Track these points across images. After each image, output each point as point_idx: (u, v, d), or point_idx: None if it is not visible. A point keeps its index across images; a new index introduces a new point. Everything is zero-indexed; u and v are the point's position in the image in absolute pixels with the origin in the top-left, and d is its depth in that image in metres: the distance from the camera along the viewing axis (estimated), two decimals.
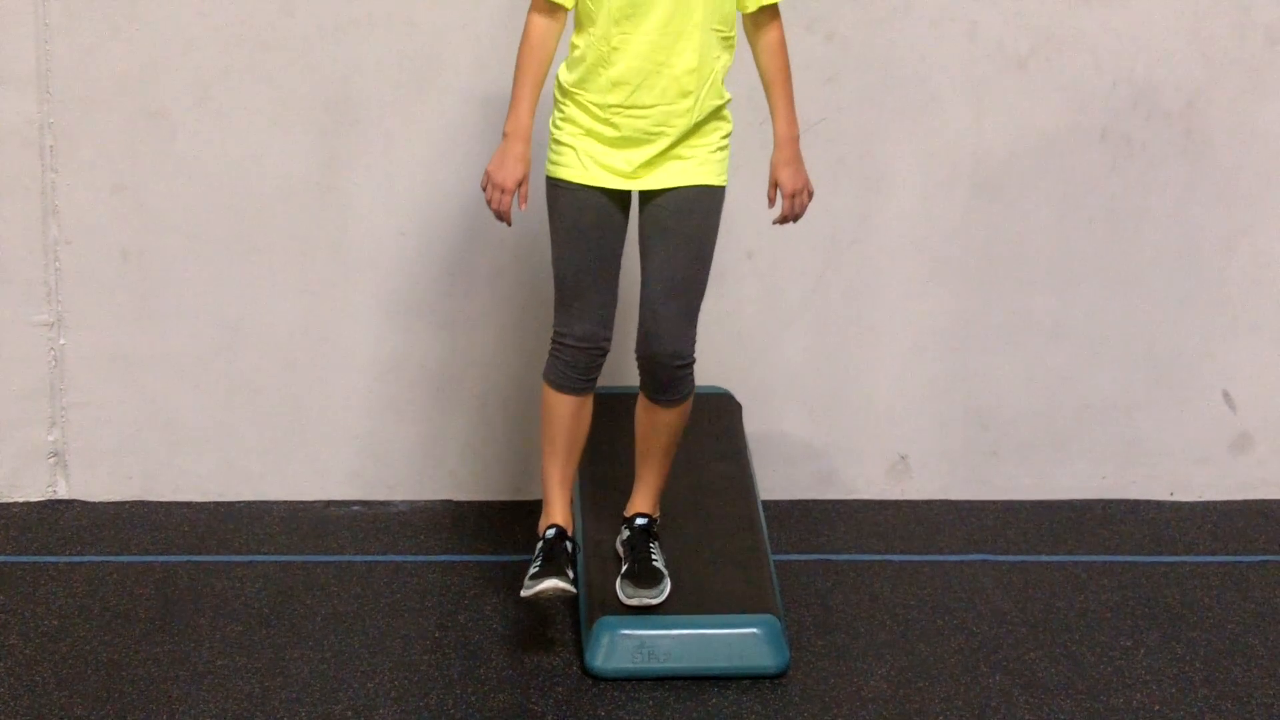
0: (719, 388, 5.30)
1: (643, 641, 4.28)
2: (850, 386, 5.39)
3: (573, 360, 4.34)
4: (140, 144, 5.17)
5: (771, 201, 4.43)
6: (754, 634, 4.28)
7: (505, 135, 4.23)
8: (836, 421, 5.41)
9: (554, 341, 4.37)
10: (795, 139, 4.38)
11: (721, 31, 4.24)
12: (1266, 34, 5.26)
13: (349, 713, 4.13)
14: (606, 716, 4.15)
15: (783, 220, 4.44)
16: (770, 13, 4.30)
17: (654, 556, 4.44)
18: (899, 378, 5.39)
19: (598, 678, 4.29)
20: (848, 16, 5.21)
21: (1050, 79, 5.26)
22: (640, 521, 4.52)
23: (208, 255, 5.23)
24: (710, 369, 5.30)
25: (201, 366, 5.28)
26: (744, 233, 5.26)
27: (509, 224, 4.31)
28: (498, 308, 5.29)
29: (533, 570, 4.35)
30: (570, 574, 4.33)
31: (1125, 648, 4.50)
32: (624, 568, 4.44)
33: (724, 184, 4.35)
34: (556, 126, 4.30)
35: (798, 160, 4.38)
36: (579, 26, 4.25)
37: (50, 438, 5.31)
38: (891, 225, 5.32)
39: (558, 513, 4.43)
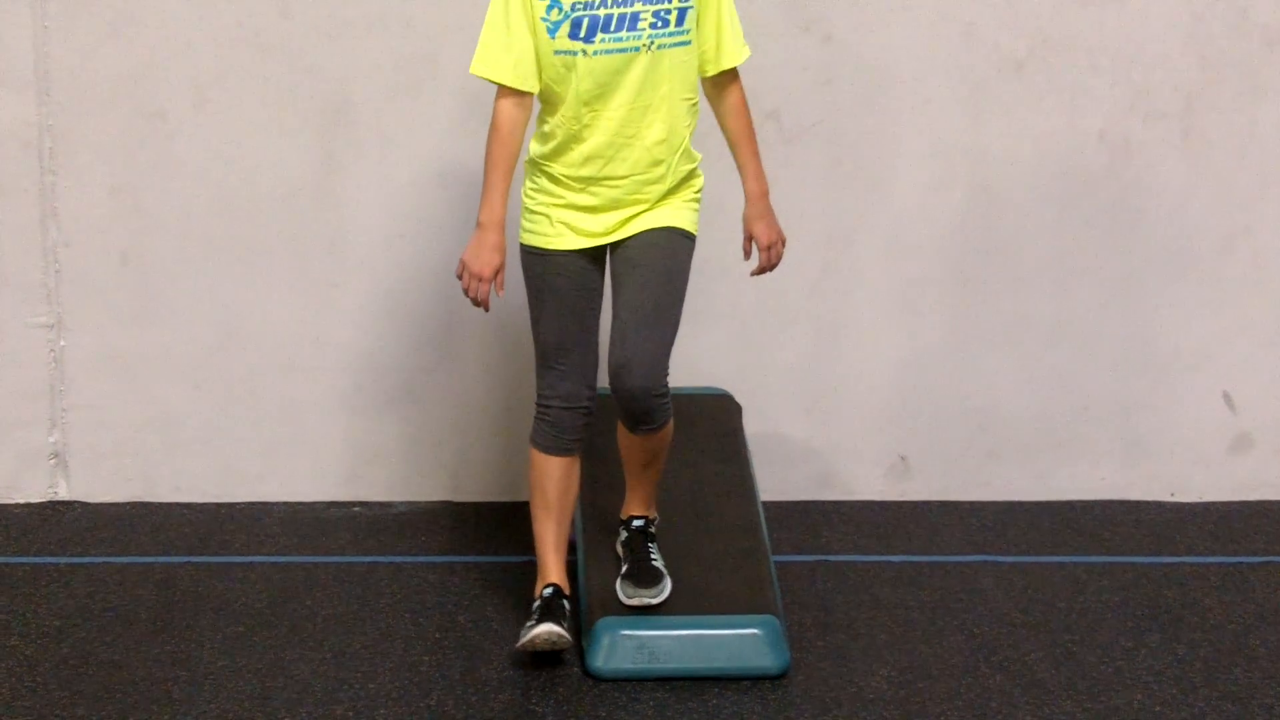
0: (719, 389, 5.30)
1: (643, 642, 4.28)
2: (849, 388, 5.40)
3: (558, 420, 4.35)
4: (139, 146, 5.18)
5: (747, 254, 4.47)
6: (754, 635, 4.28)
7: (480, 225, 4.22)
8: (836, 423, 5.41)
9: (539, 405, 4.38)
10: (766, 194, 4.41)
11: (689, 100, 4.25)
12: (1264, 35, 5.27)
13: (349, 713, 4.12)
14: (607, 717, 4.15)
15: (760, 271, 4.48)
16: (730, 74, 4.30)
17: (653, 556, 4.45)
18: (898, 379, 5.40)
19: (598, 678, 4.29)
20: (845, 18, 5.21)
21: (1048, 80, 5.27)
22: (637, 523, 4.53)
23: (206, 257, 5.24)
24: (710, 370, 5.31)
25: (201, 367, 5.28)
26: (741, 234, 5.25)
27: (486, 310, 4.31)
28: (496, 309, 5.29)
29: (529, 623, 4.32)
30: (566, 626, 4.30)
31: (1126, 648, 4.50)
32: (623, 569, 4.44)
33: (694, 233, 4.34)
34: (529, 196, 4.30)
35: (770, 214, 4.43)
36: (546, 105, 4.23)
37: (50, 439, 5.31)
38: (889, 227, 5.33)
39: (554, 573, 4.41)
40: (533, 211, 4.29)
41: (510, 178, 4.23)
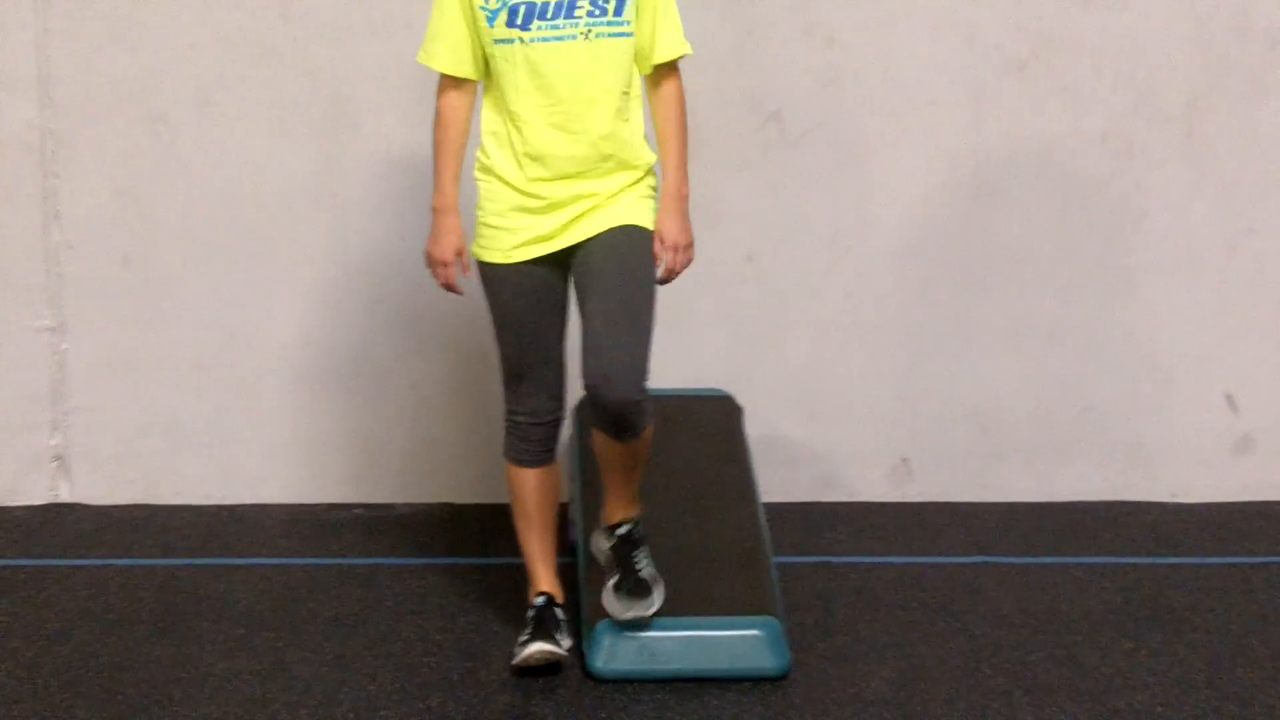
0: (720, 390, 5.30)
1: (644, 643, 4.28)
2: (851, 389, 5.40)
3: (527, 434, 4.30)
4: (141, 149, 5.19)
5: (657, 257, 4.21)
6: (755, 636, 4.27)
7: (434, 210, 4.22)
8: (837, 424, 5.41)
9: (507, 419, 4.33)
10: (683, 196, 4.21)
11: (630, 93, 4.16)
12: (1266, 36, 5.27)
13: (350, 715, 4.12)
14: (608, 718, 4.14)
15: (665, 277, 4.22)
16: (667, 70, 4.20)
17: (639, 566, 4.32)
18: (900, 380, 5.40)
19: (599, 680, 4.29)
20: (848, 20, 5.22)
21: (1050, 82, 5.27)
22: (622, 530, 4.37)
23: (208, 260, 5.25)
24: (711, 371, 5.31)
25: (203, 370, 5.29)
26: (744, 236, 5.27)
27: (460, 294, 4.29)
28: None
29: (522, 637, 4.29)
30: (560, 640, 4.28)
31: (1127, 650, 4.49)
32: (611, 581, 4.29)
33: (650, 227, 4.20)
34: (480, 208, 4.21)
35: (682, 215, 4.21)
36: (492, 103, 4.17)
37: (53, 442, 5.32)
38: (892, 228, 5.33)
39: (545, 582, 4.37)
40: (485, 225, 4.20)
41: (457, 162, 4.19)
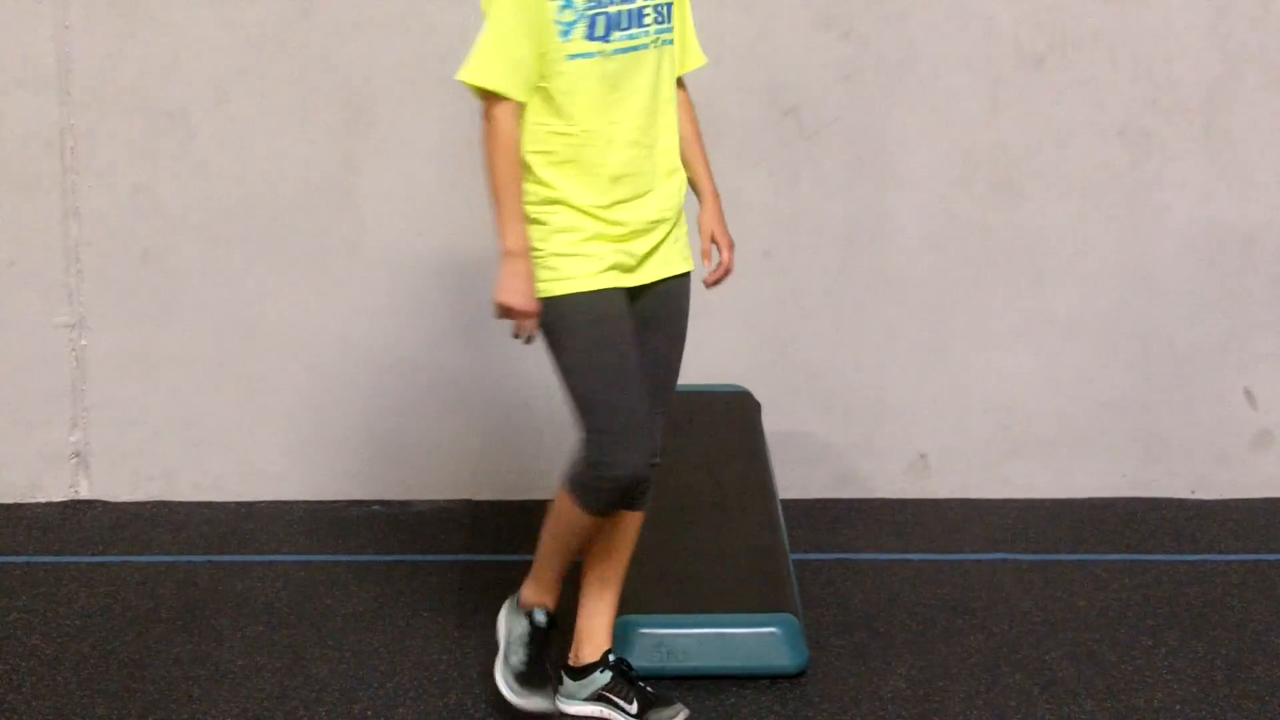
0: (738, 386, 5.30)
1: (661, 640, 4.27)
2: (869, 385, 5.39)
3: (617, 489, 3.83)
4: (159, 145, 5.19)
5: (708, 258, 4.01)
6: (773, 633, 4.27)
7: (510, 254, 3.75)
8: (855, 420, 5.40)
9: (593, 472, 3.82)
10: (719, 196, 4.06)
11: (676, 97, 3.98)
12: None
13: (368, 712, 4.13)
14: None
15: (719, 278, 4.02)
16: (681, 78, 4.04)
17: (648, 689, 4.05)
18: (918, 376, 5.39)
19: None
20: (864, 13, 5.21)
21: (1068, 75, 5.25)
22: (614, 656, 4.06)
23: (227, 256, 5.25)
24: (729, 367, 5.31)
25: (222, 367, 5.29)
26: (762, 231, 5.26)
27: (531, 343, 3.88)
28: None
29: (521, 670, 4.04)
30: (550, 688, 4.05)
31: (1146, 647, 4.49)
32: (634, 709, 4.00)
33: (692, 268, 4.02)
34: (544, 243, 3.79)
35: (722, 214, 4.06)
36: (552, 127, 3.78)
37: (72, 438, 5.33)
38: (909, 223, 5.32)
39: (550, 596, 4.07)
40: (561, 255, 3.78)
41: (521, 200, 3.78)
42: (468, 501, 5.38)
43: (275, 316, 5.28)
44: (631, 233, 3.83)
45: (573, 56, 3.75)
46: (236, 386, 5.31)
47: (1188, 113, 5.28)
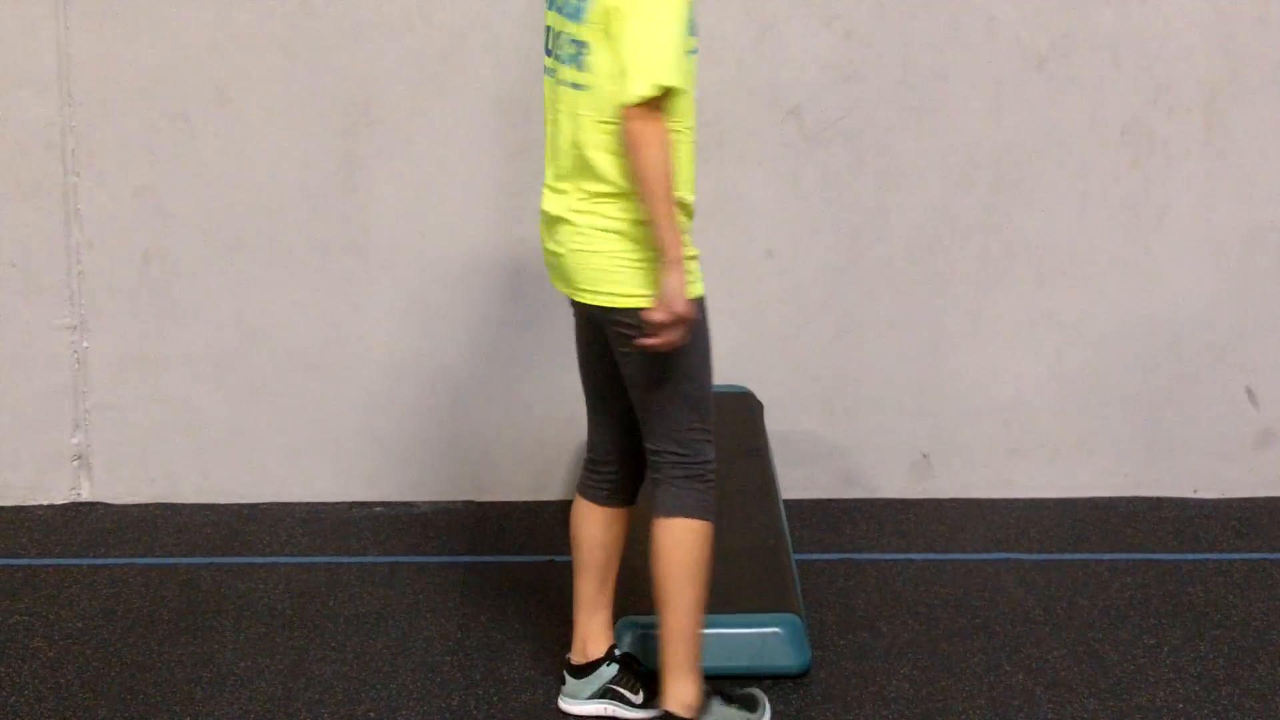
0: (740, 386, 5.30)
1: None
2: (871, 384, 5.39)
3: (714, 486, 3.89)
4: (161, 147, 5.19)
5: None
6: (776, 633, 4.27)
7: (678, 261, 3.61)
8: (858, 420, 5.40)
9: (706, 469, 3.84)
10: None
11: None
12: None
13: (371, 714, 4.13)
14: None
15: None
16: None
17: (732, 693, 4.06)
18: (920, 376, 5.39)
19: None
20: (867, 13, 5.20)
21: (1070, 75, 5.25)
22: (623, 653, 4.12)
23: (229, 257, 5.25)
24: (731, 367, 5.30)
25: (223, 368, 5.29)
26: (764, 231, 5.26)
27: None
28: (518, 308, 5.30)
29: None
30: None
31: (1148, 646, 4.49)
32: (639, 697, 4.06)
33: None
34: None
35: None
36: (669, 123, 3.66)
37: (74, 440, 5.33)
38: (911, 223, 5.32)
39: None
40: (689, 257, 3.70)
41: None
42: (470, 502, 5.38)
43: (277, 318, 5.28)
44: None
45: (691, 51, 3.68)
46: (238, 388, 5.30)
47: (1190, 112, 5.28)
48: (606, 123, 3.68)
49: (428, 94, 5.19)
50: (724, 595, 4.39)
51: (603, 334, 3.86)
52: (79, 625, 4.57)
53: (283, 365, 5.30)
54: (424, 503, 5.38)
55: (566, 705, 4.10)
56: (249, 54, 5.16)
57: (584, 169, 3.74)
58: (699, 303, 3.74)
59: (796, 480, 5.36)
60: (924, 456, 5.43)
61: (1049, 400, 5.40)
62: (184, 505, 5.33)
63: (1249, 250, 5.35)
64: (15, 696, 4.20)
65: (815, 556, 4.98)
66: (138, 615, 4.63)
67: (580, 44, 3.68)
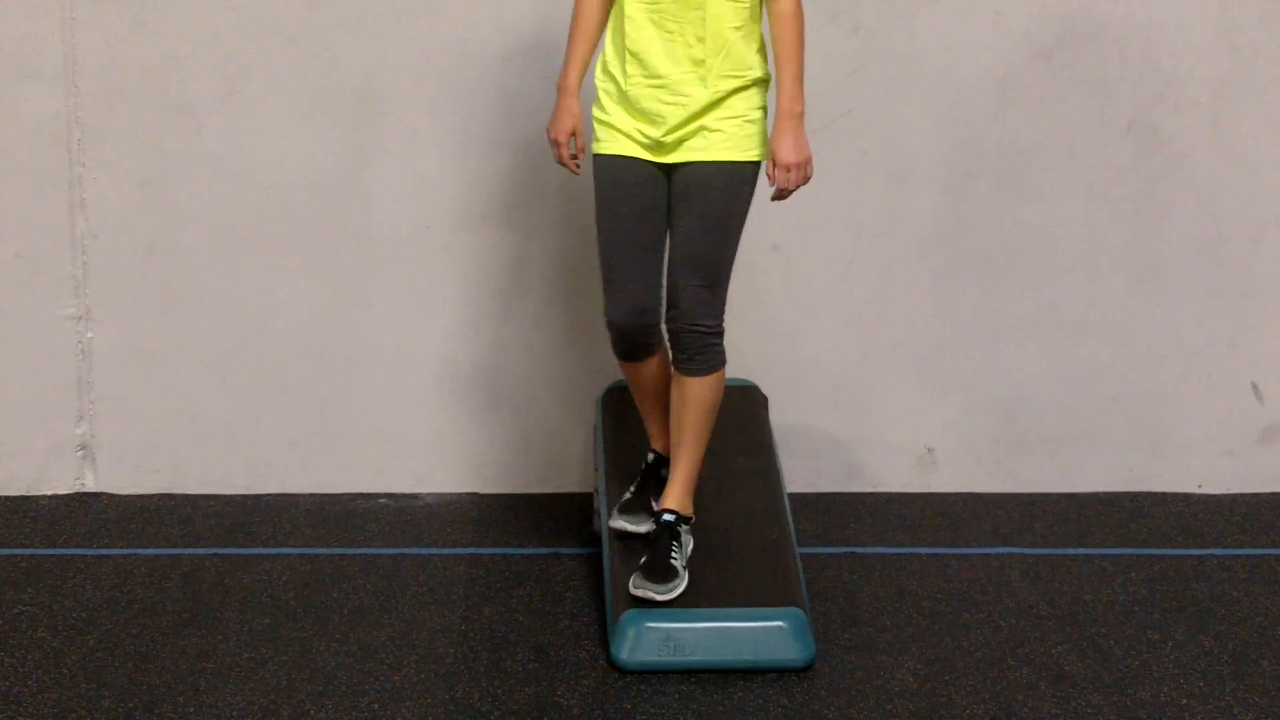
0: (745, 380, 5.29)
1: (668, 634, 4.28)
2: (876, 379, 5.39)
3: (617, 340, 4.42)
4: (166, 138, 5.19)
5: (770, 178, 4.35)
6: (780, 627, 4.27)
7: (558, 89, 4.39)
8: (862, 414, 5.40)
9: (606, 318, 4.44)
10: (796, 115, 4.29)
11: (739, 2, 4.25)
12: None
13: (375, 705, 4.13)
14: (632, 709, 4.15)
15: (778, 195, 4.36)
16: None
17: (673, 554, 4.39)
18: (925, 370, 5.39)
19: (623, 670, 4.29)
20: (872, 8, 5.20)
21: (1076, 70, 5.24)
22: (666, 518, 4.48)
23: (234, 249, 5.25)
24: (736, 361, 5.28)
25: (228, 360, 5.29)
26: (769, 225, 5.26)
27: (575, 172, 4.45)
28: (522, 300, 5.30)
29: (625, 498, 4.63)
30: (655, 495, 4.59)
31: (1152, 641, 4.48)
32: (642, 560, 4.41)
33: (754, 158, 4.32)
34: (596, 103, 4.37)
35: (796, 134, 4.29)
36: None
37: (78, 431, 5.33)
38: (917, 217, 5.31)
39: (656, 441, 4.66)
40: (596, 120, 4.37)
41: (587, 47, 4.36)
42: (474, 495, 5.38)
43: (282, 309, 5.28)
44: (644, 111, 4.30)
45: None
46: (243, 379, 5.30)
47: (1195, 108, 5.27)
48: (742, 6, 4.26)
49: (434, 86, 5.18)
50: (728, 589, 4.40)
51: (666, 201, 4.33)
52: (83, 616, 4.58)
53: (288, 357, 5.30)
54: (428, 495, 5.38)
55: (612, 521, 4.63)
56: (255, 46, 5.16)
57: (720, 49, 4.24)
58: (593, 161, 4.37)
59: (801, 473, 5.36)
60: (928, 450, 5.43)
61: (1053, 395, 5.40)
62: (188, 496, 5.33)
63: (1254, 245, 5.34)
64: (19, 686, 4.20)
65: (819, 550, 4.98)
66: (142, 606, 4.63)
67: None
